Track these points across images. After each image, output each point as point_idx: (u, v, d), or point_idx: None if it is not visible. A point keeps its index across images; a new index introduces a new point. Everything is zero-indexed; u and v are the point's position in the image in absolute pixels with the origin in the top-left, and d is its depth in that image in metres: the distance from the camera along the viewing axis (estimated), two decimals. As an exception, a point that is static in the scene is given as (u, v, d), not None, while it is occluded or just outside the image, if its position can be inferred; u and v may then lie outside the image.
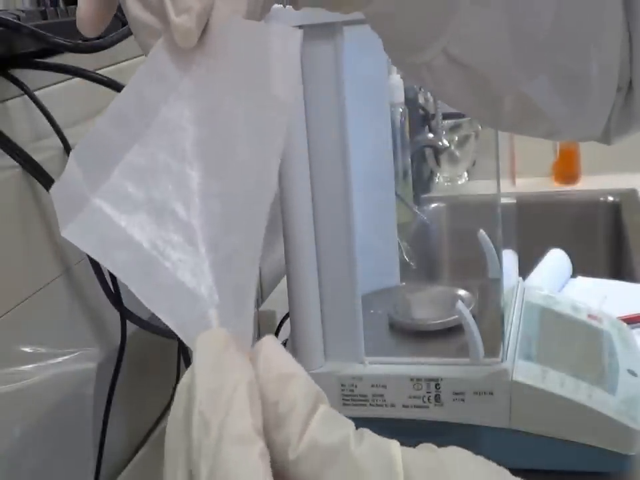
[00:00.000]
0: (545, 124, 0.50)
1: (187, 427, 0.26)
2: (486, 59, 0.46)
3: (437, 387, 0.72)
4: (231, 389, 0.26)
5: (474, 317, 0.73)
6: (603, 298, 1.08)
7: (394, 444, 0.26)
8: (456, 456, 0.26)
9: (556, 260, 1.24)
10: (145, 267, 0.29)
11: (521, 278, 0.92)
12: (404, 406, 0.73)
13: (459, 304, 0.74)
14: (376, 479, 0.25)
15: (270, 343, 0.28)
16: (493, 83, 0.47)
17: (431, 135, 1.67)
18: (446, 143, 1.68)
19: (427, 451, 0.26)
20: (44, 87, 0.62)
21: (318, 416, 0.26)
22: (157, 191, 0.30)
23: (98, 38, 0.60)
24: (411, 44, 0.46)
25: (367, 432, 0.27)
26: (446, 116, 1.58)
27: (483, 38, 0.45)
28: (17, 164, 0.54)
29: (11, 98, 0.59)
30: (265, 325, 1.01)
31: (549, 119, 0.49)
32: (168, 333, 0.75)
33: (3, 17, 0.54)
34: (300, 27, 0.37)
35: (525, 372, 0.72)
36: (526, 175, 1.71)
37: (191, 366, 0.27)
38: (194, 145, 0.30)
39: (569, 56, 0.47)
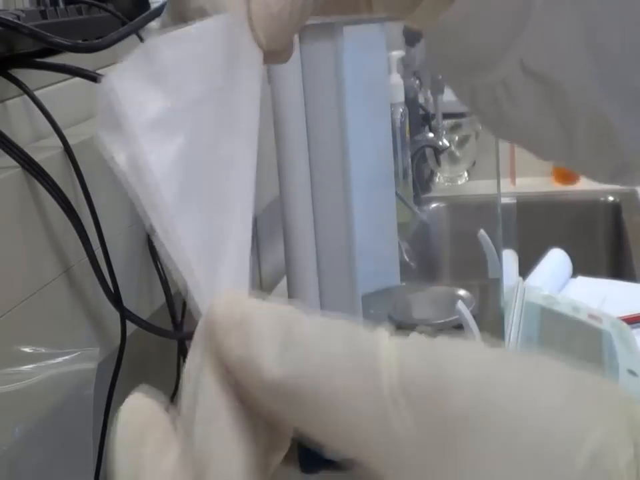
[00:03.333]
0: (617, 156, 0.47)
1: None
2: (564, 71, 0.43)
3: (437, 387, 0.72)
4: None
5: (474, 317, 0.73)
6: (603, 298, 1.08)
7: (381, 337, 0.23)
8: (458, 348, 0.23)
9: (556, 260, 1.24)
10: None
11: (521, 278, 0.92)
12: (404, 406, 0.73)
13: (459, 304, 0.74)
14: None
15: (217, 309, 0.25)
16: (572, 99, 0.44)
17: (431, 135, 1.67)
18: (446, 142, 1.68)
19: (422, 342, 0.23)
20: (44, 87, 0.62)
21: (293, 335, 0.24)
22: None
23: (98, 38, 0.60)
24: (483, 59, 0.43)
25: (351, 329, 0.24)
26: (446, 116, 1.58)
27: (559, 47, 0.42)
28: (17, 164, 0.54)
29: (11, 98, 0.59)
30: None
31: (621, 150, 0.46)
32: (168, 333, 0.75)
33: (3, 16, 0.54)
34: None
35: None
36: (526, 175, 1.71)
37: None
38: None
39: None
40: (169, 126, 0.29)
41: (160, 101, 0.29)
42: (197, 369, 0.25)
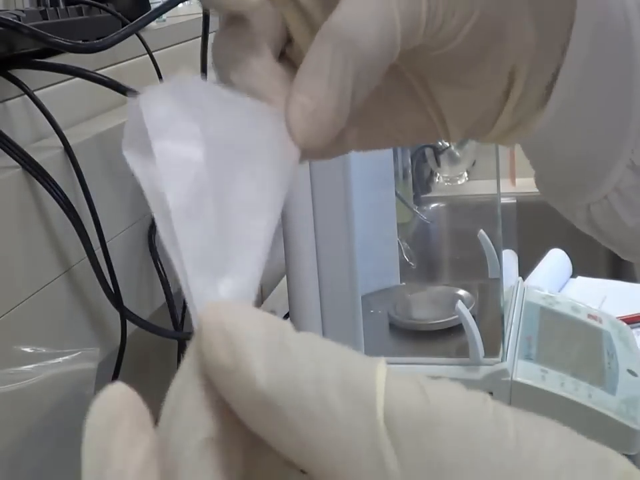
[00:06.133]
0: None
1: None
2: None
3: (437, 387, 0.72)
4: None
5: (474, 317, 0.73)
6: (603, 298, 1.08)
7: (379, 382, 0.22)
8: (451, 406, 0.22)
9: (556, 260, 1.24)
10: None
11: (520, 278, 0.92)
12: (404, 406, 0.73)
13: (459, 304, 0.74)
14: (354, 439, 0.21)
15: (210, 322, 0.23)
16: None
17: (431, 135, 1.66)
18: (446, 143, 1.68)
19: (416, 396, 0.22)
20: (44, 87, 0.62)
21: (284, 347, 0.22)
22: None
23: (98, 38, 0.60)
24: (591, 172, 0.38)
25: (347, 359, 0.23)
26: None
27: None
28: (17, 164, 0.54)
29: (11, 98, 0.59)
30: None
31: None
32: (168, 333, 0.75)
33: (3, 17, 0.54)
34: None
35: (525, 372, 0.72)
36: (526, 175, 1.71)
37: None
38: None
39: None
40: (191, 149, 0.28)
41: (188, 123, 0.28)
42: (184, 375, 0.24)
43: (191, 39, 0.87)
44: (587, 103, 0.36)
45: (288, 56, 0.36)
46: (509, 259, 0.93)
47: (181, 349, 0.75)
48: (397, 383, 0.22)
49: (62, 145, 0.58)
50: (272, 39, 0.33)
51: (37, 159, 0.54)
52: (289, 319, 0.77)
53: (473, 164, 1.75)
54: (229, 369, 0.23)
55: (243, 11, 0.31)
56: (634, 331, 0.88)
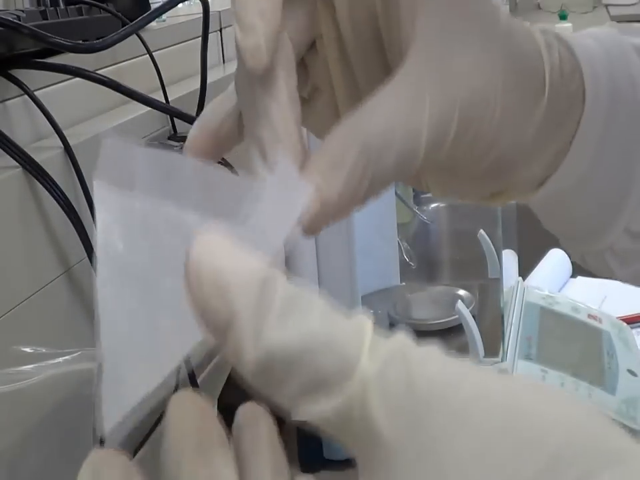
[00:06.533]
0: None
1: None
2: None
3: (437, 387, 0.72)
4: None
5: (474, 317, 0.73)
6: (603, 298, 1.08)
7: (365, 343, 0.23)
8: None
9: (556, 260, 1.24)
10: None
11: (520, 278, 0.92)
12: (404, 406, 0.73)
13: (459, 304, 0.74)
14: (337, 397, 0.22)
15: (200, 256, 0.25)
16: None
17: (431, 135, 1.66)
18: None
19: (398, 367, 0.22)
20: (44, 87, 0.62)
21: (272, 312, 0.24)
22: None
23: (98, 38, 0.60)
24: (588, 230, 0.41)
25: (336, 317, 0.24)
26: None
27: None
28: (17, 164, 0.54)
29: (11, 98, 0.59)
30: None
31: None
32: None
33: (3, 17, 0.54)
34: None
35: (525, 372, 0.72)
36: (526, 175, 1.71)
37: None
38: None
39: None
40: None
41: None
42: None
43: (191, 39, 0.87)
44: (586, 180, 0.38)
45: (306, 62, 0.36)
46: (509, 258, 0.93)
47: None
48: (383, 365, 0.23)
49: (62, 145, 0.58)
50: (296, 43, 0.34)
51: (37, 159, 0.54)
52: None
53: (473, 164, 1.75)
54: (220, 325, 0.24)
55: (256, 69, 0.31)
56: (634, 331, 0.88)
